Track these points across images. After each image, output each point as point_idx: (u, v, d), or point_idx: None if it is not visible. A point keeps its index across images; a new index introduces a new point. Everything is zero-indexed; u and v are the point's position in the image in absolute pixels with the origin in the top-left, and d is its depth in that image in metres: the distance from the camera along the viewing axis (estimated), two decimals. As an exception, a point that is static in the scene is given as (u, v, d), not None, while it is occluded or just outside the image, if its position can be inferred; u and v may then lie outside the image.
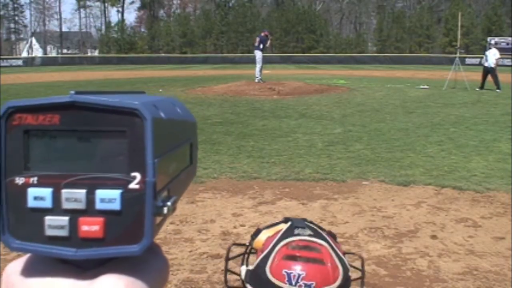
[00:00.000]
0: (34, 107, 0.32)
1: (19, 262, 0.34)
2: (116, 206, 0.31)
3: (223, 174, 5.66)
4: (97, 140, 0.31)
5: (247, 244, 1.33)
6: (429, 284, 3.06)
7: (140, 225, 0.31)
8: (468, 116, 10.42)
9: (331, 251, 1.16)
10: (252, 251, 1.31)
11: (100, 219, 0.31)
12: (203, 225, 4.06)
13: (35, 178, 0.32)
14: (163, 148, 0.33)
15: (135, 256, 0.32)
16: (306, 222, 1.23)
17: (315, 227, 1.22)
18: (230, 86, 17.61)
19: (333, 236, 1.26)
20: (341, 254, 1.19)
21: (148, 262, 0.33)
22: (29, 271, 0.33)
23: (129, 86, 19.69)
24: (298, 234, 1.17)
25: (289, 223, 1.23)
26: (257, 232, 1.28)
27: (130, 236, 0.31)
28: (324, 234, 1.20)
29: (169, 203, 0.32)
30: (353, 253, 1.49)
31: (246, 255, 1.33)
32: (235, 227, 4.01)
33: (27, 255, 0.34)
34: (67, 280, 0.32)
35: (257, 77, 18.51)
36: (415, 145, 7.36)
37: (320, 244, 1.16)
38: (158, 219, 0.32)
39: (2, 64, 48.50)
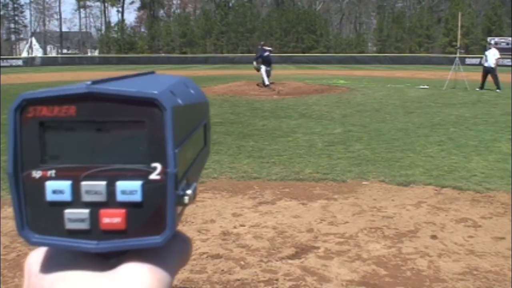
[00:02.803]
0: (49, 99, 0.31)
1: (41, 251, 0.34)
2: (137, 197, 0.31)
3: (223, 174, 5.66)
4: (115, 131, 0.31)
5: None
6: (429, 284, 3.06)
7: (162, 215, 0.31)
8: (468, 116, 10.42)
9: None
10: None
11: (122, 211, 0.31)
12: (203, 225, 4.06)
13: (53, 171, 0.31)
14: (182, 136, 0.32)
15: None
16: None
17: None
18: (230, 86, 17.61)
19: None
20: None
21: (169, 247, 0.33)
22: (51, 261, 0.33)
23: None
24: None
25: None
26: None
27: (152, 227, 0.31)
28: None
29: (189, 191, 0.32)
30: None
31: None
32: (235, 227, 4.01)
33: None
34: (91, 268, 0.32)
35: (266, 83, 17.85)
36: (415, 145, 7.36)
37: None
38: (179, 208, 0.32)
39: (2, 64, 48.51)
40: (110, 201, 0.31)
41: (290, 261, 3.37)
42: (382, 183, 5.30)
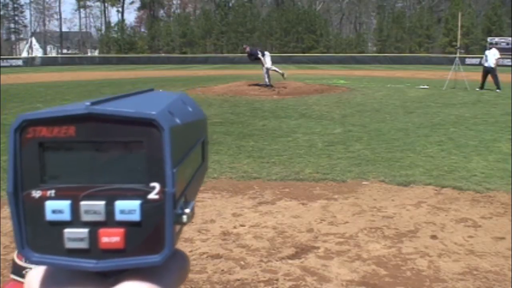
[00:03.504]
0: (48, 120, 0.31)
1: (40, 269, 0.34)
2: (136, 217, 0.31)
3: (223, 174, 5.66)
4: (114, 151, 0.31)
5: None
6: (429, 284, 3.06)
7: (161, 234, 0.31)
8: (468, 116, 10.42)
9: None
10: None
11: (121, 230, 0.31)
12: (203, 225, 4.06)
13: (53, 191, 0.31)
14: (180, 155, 0.33)
15: None
16: None
17: None
18: (230, 86, 17.61)
19: None
20: None
21: (167, 265, 0.33)
22: (50, 279, 0.33)
23: (129, 86, 19.68)
24: None
25: None
26: None
27: (151, 246, 0.31)
28: None
29: (187, 210, 0.32)
30: None
31: None
32: (235, 227, 4.01)
33: None
34: (89, 287, 0.32)
35: (266, 82, 17.95)
36: (415, 145, 7.36)
37: None
38: (178, 227, 0.32)
39: (2, 64, 48.50)
40: (109, 221, 0.31)
41: (290, 261, 3.37)
42: (382, 183, 5.30)
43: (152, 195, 0.31)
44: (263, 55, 17.69)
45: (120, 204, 0.31)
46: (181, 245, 3.15)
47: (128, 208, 0.31)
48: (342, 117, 10.37)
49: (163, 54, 68.27)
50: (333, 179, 5.48)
